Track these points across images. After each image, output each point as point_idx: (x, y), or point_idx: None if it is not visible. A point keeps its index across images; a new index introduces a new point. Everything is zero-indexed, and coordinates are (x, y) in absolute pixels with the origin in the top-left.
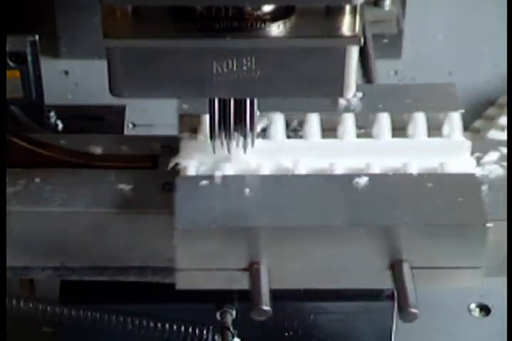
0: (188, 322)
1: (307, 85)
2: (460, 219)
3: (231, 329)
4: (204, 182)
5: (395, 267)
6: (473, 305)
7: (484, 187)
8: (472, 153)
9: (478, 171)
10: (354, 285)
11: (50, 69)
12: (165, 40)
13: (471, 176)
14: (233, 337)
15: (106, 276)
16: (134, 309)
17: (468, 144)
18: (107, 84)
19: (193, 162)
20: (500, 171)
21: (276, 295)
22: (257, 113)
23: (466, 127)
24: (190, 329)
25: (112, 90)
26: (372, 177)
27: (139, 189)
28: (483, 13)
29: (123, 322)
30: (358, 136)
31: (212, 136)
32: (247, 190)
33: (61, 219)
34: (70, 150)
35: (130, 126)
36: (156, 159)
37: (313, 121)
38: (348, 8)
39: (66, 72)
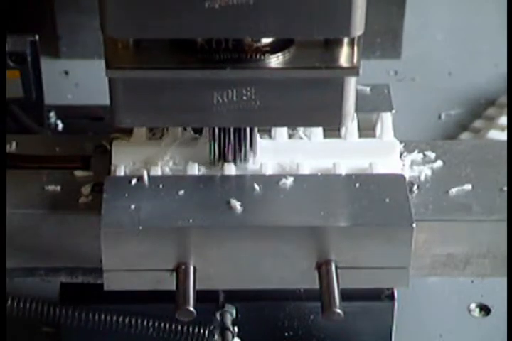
0: (188, 322)
1: (306, 115)
2: (386, 219)
3: (231, 329)
4: (133, 183)
5: (322, 267)
6: (473, 305)
7: (414, 188)
8: (403, 154)
9: (408, 172)
10: (281, 285)
11: (50, 69)
12: (166, 71)
13: (398, 177)
14: (233, 337)
15: (37, 277)
16: (134, 309)
17: (398, 145)
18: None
19: (123, 162)
20: (428, 172)
21: (276, 296)
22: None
23: (466, 127)
24: (190, 329)
25: (115, 119)
26: (300, 177)
27: (69, 190)
28: (483, 13)
29: (123, 322)
30: (290, 136)
31: (213, 162)
32: (175, 191)
33: None
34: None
35: None
36: (89, 159)
37: None
38: (346, 39)
39: (66, 72)
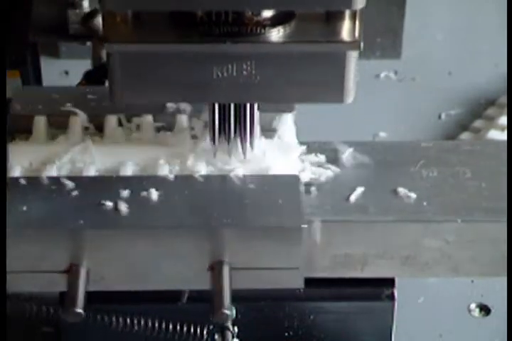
0: (188, 322)
1: (307, 91)
2: (276, 220)
3: (231, 329)
4: (27, 184)
5: (214, 268)
6: (473, 305)
7: (312, 189)
8: (303, 155)
9: (308, 173)
10: (176, 286)
11: (50, 69)
12: (165, 44)
13: (293, 178)
14: (233, 337)
15: None
16: (134, 309)
17: (297, 146)
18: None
19: (20, 163)
20: (329, 173)
21: (276, 296)
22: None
23: (466, 127)
24: (191, 329)
25: (112, 94)
26: (196, 178)
27: None
28: (483, 13)
29: (123, 322)
30: (193, 137)
31: (213, 141)
32: (69, 192)
33: None
34: None
35: None
36: None
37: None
38: (348, 13)
39: (66, 72)
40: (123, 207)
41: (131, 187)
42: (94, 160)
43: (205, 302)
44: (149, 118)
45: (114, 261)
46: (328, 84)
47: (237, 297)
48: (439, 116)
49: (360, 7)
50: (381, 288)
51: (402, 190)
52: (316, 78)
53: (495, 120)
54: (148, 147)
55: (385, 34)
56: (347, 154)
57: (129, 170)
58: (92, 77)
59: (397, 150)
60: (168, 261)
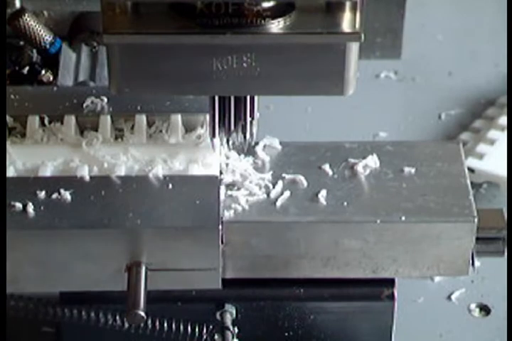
0: (188, 322)
1: (307, 83)
2: (193, 221)
3: (231, 329)
4: None
5: (131, 269)
6: (473, 305)
7: (234, 189)
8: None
9: (229, 174)
10: (92, 287)
11: None
12: (164, 36)
13: (211, 178)
14: (233, 337)
15: None
16: None
17: (219, 147)
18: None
19: None
20: (252, 174)
21: (276, 296)
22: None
23: (466, 127)
24: (190, 329)
25: (111, 86)
26: (113, 179)
27: None
28: (483, 13)
29: (123, 322)
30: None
31: (212, 134)
32: None
33: None
34: None
35: None
36: None
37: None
38: (348, 4)
39: None
40: (30, 209)
41: (47, 188)
42: (13, 160)
43: (206, 302)
44: (72, 118)
45: (27, 262)
46: (328, 76)
47: (237, 297)
48: (439, 116)
49: None
50: (381, 288)
51: (323, 191)
52: (316, 70)
53: (495, 120)
54: (68, 148)
55: (385, 34)
56: (271, 155)
57: (48, 171)
58: (17, 78)
59: (320, 150)
60: (83, 262)
